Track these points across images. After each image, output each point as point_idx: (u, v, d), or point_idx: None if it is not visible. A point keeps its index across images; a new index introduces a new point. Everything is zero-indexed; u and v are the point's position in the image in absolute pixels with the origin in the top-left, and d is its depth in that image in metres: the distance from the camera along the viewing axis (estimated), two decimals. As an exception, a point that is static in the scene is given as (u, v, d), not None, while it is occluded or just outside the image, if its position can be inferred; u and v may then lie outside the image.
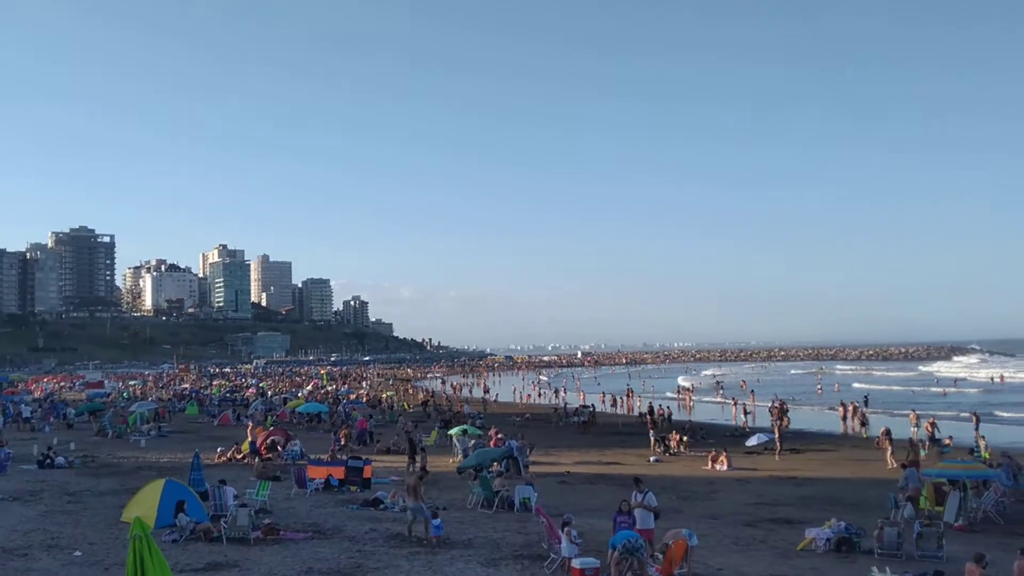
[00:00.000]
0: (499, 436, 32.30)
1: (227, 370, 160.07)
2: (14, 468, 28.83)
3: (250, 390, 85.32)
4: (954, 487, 20.74)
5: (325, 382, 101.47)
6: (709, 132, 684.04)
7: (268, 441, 31.34)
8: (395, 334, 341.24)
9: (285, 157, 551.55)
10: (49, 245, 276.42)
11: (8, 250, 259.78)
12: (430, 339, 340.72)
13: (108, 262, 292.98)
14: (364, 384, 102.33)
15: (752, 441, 35.65)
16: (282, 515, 20.05)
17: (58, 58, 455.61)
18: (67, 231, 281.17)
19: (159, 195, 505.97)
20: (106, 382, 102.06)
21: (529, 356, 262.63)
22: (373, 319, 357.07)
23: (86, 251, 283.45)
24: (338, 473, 24.96)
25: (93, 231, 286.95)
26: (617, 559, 12.72)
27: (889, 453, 27.78)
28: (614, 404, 62.06)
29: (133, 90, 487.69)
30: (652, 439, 35.88)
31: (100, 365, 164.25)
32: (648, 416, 47.21)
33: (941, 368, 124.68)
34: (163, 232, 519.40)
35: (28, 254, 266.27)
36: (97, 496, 23.27)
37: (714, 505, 22.59)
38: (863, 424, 39.82)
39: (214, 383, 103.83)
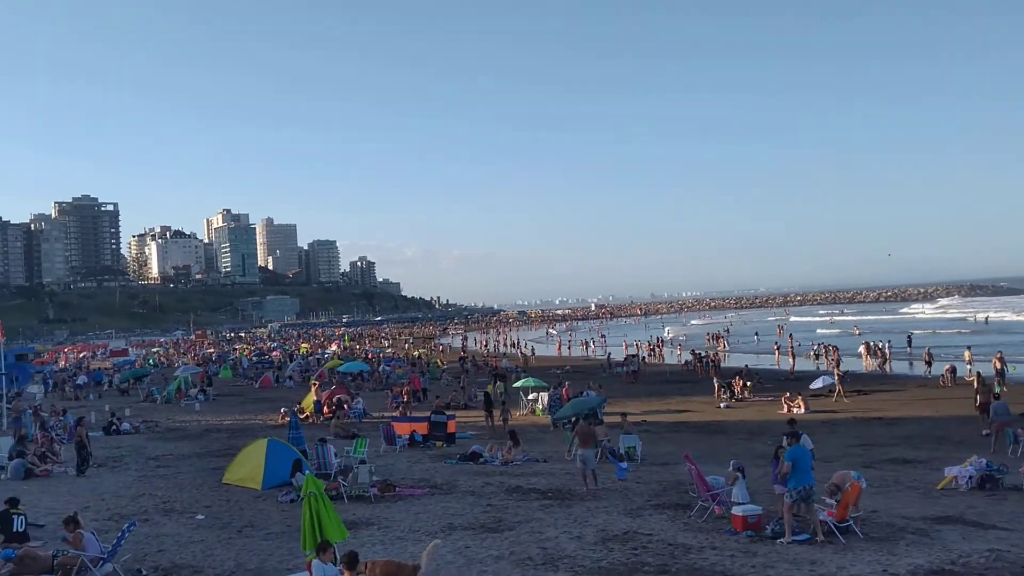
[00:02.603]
0: (567, 386, 31.73)
1: (242, 334, 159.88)
2: (81, 435, 28.30)
3: (275, 352, 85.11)
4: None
5: (347, 342, 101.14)
6: (706, 86, 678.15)
7: (335, 400, 30.77)
8: (403, 293, 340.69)
9: (284, 122, 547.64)
10: (53, 215, 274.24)
11: (13, 222, 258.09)
12: (438, 297, 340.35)
13: (113, 231, 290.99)
14: (386, 343, 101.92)
15: (817, 384, 34.98)
16: (382, 472, 19.46)
17: (58, 32, 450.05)
18: (70, 201, 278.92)
19: (159, 162, 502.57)
20: (130, 350, 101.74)
21: (542, 311, 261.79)
22: (380, 279, 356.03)
23: (90, 220, 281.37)
24: (421, 429, 24.45)
25: (96, 200, 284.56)
26: (790, 504, 12.08)
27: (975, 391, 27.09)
28: (651, 353, 61.52)
29: (132, 60, 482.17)
30: (716, 385, 35.32)
31: (112, 334, 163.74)
32: (697, 363, 46.82)
33: (924, 310, 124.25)
34: (165, 199, 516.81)
35: (32, 225, 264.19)
36: (183, 460, 22.75)
37: (818, 449, 21.82)
38: (928, 363, 39.17)
39: (236, 347, 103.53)
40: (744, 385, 35.38)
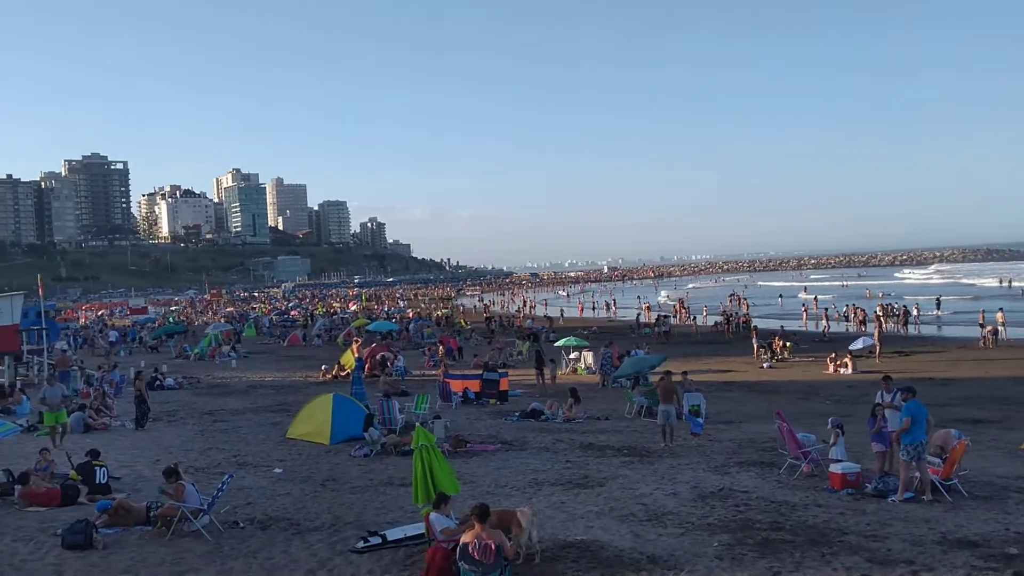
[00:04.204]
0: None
1: (256, 294, 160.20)
2: (127, 391, 28.26)
3: (294, 312, 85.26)
4: None
5: (364, 301, 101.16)
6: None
7: (379, 357, 30.64)
8: (413, 255, 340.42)
9: (293, 82, 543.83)
10: (63, 174, 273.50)
11: (23, 180, 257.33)
12: (448, 259, 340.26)
13: (123, 189, 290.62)
14: (402, 304, 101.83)
15: (857, 344, 34.68)
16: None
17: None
18: (80, 159, 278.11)
19: (168, 121, 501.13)
20: (150, 308, 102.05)
21: (554, 273, 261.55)
22: (390, 241, 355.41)
23: (100, 179, 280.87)
24: (474, 386, 24.32)
25: (106, 158, 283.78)
26: (906, 463, 11.84)
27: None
28: (676, 314, 61.33)
29: (141, 12, 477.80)
30: (756, 345, 35.10)
31: (132, 293, 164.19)
32: (727, 325, 46.59)
33: (911, 275, 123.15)
34: (174, 158, 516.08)
35: (43, 183, 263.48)
36: (238, 415, 22.67)
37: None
38: (982, 326, 38.76)
39: (253, 307, 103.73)
40: (784, 345, 35.13)
